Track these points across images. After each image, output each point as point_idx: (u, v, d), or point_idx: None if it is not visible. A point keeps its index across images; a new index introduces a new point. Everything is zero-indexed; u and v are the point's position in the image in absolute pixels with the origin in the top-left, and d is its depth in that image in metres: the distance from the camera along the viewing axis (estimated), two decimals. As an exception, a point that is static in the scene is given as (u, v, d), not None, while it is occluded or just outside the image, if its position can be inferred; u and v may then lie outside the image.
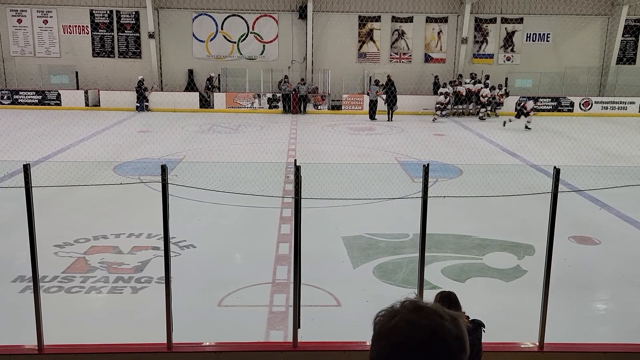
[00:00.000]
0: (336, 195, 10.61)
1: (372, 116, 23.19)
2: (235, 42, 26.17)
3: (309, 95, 24.89)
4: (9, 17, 25.56)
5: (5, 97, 24.74)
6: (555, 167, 4.78)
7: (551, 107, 25.24)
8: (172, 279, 4.80)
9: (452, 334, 1.25)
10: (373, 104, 23.21)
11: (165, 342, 4.77)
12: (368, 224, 9.31)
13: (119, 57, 26.17)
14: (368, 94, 23.66)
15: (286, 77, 24.82)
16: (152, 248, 8.19)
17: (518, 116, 20.67)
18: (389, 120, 22.78)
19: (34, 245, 4.63)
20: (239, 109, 24.81)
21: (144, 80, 24.59)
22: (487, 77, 24.69)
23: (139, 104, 24.36)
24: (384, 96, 22.98)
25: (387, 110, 23.11)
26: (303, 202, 4.82)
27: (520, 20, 26.29)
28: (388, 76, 23.99)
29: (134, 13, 25.77)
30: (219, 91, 25.29)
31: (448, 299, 4.02)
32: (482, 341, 4.18)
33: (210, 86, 25.34)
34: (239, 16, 25.87)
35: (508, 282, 7.32)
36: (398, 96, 23.80)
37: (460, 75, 25.52)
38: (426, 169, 4.74)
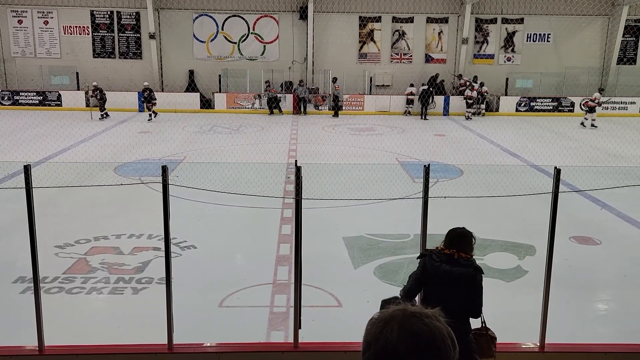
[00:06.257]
0: (337, 195, 10.61)
1: (335, 113, 23.69)
2: (235, 43, 26.17)
3: (309, 96, 24.88)
4: (9, 18, 25.57)
5: (6, 98, 24.75)
6: (556, 168, 4.78)
7: (552, 107, 25.26)
8: (173, 279, 4.80)
9: (445, 332, 1.32)
10: (335, 100, 23.73)
11: (166, 342, 4.78)
12: (369, 224, 9.31)
13: (119, 57, 26.17)
14: (336, 90, 23.94)
15: (267, 81, 24.83)
16: (153, 249, 8.19)
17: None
18: (424, 119, 23.28)
19: (34, 246, 4.63)
20: (239, 109, 24.82)
21: (148, 86, 22.72)
22: (475, 79, 24.90)
23: (151, 113, 22.19)
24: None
25: (422, 108, 23.51)
26: (304, 202, 4.82)
27: (521, 21, 26.27)
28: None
29: (134, 14, 25.78)
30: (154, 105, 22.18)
31: (458, 238, 4.11)
32: None
33: (148, 98, 22.16)
34: (239, 17, 25.87)
35: (509, 283, 7.31)
36: (399, 96, 23.77)
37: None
38: (427, 169, 4.74)
